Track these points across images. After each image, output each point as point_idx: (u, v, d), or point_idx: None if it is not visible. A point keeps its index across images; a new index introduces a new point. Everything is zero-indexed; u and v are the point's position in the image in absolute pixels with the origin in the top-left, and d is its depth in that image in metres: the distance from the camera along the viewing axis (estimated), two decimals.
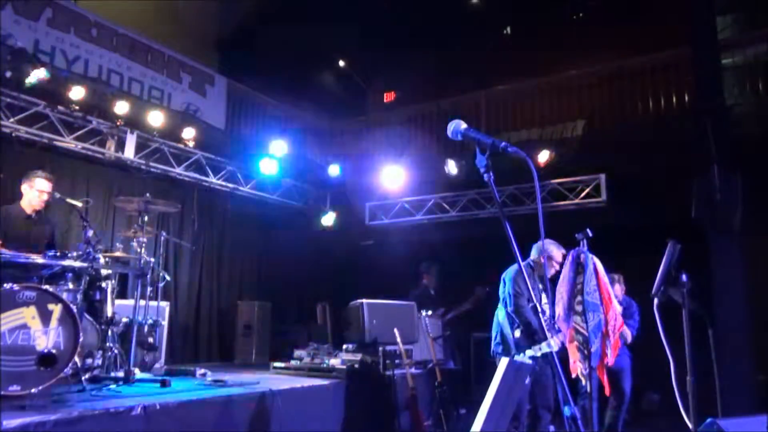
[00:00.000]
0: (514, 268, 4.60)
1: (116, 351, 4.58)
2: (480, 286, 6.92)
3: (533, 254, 4.68)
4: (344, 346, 5.69)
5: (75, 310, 3.79)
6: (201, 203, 7.87)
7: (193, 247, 7.60)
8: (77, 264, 4.20)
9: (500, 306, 4.68)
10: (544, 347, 3.92)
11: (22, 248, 4.16)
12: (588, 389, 3.55)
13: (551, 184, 7.76)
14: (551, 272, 4.44)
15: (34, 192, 4.65)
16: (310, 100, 10.25)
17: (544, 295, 4.45)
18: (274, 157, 8.07)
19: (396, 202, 9.07)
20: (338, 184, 9.05)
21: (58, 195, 4.81)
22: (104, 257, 4.52)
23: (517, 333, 4.40)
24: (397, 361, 5.37)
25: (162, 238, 5.80)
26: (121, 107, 6.44)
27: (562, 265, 4.39)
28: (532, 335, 4.28)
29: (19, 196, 4.72)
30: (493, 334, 4.74)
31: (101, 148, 6.60)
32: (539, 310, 2.54)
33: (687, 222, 5.86)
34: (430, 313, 6.56)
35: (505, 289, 4.58)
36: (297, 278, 8.89)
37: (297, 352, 5.95)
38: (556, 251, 4.46)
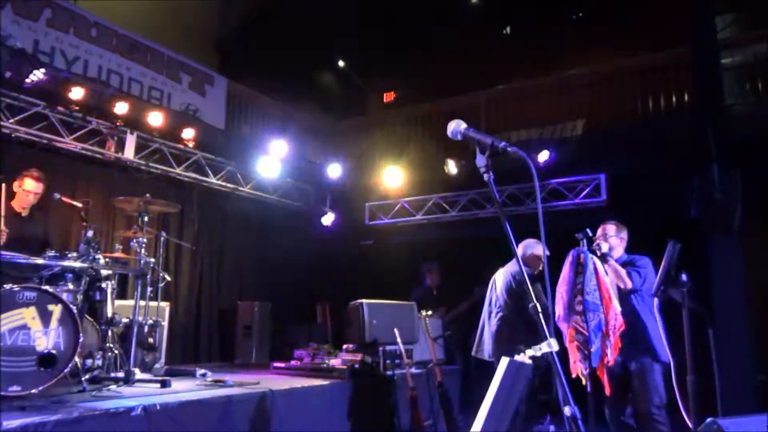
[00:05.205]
0: (509, 270, 4.55)
1: (116, 351, 4.58)
2: (478, 287, 6.90)
3: (520, 253, 4.62)
4: (344, 346, 5.70)
5: (75, 311, 3.80)
6: (201, 203, 7.86)
7: (193, 247, 7.59)
8: (77, 264, 4.20)
9: (494, 313, 4.54)
10: (544, 347, 3.88)
11: (14, 248, 4.14)
12: (589, 389, 3.55)
13: (551, 183, 7.76)
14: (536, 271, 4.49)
15: (21, 191, 4.71)
16: (310, 100, 10.25)
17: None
18: (273, 157, 8.06)
19: (396, 202, 9.07)
20: (338, 184, 9.05)
21: (57, 196, 4.82)
22: (104, 257, 4.52)
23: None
24: (397, 361, 5.37)
25: (162, 238, 5.80)
26: (121, 107, 6.43)
27: (543, 263, 4.43)
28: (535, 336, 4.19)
29: (13, 195, 4.73)
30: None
31: (101, 149, 6.60)
32: (539, 310, 2.52)
33: (687, 222, 5.86)
34: (430, 312, 6.55)
35: (506, 292, 4.48)
36: (297, 278, 8.88)
37: (297, 352, 5.95)
38: (539, 249, 4.49)
